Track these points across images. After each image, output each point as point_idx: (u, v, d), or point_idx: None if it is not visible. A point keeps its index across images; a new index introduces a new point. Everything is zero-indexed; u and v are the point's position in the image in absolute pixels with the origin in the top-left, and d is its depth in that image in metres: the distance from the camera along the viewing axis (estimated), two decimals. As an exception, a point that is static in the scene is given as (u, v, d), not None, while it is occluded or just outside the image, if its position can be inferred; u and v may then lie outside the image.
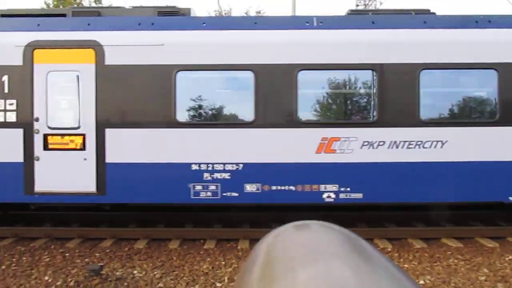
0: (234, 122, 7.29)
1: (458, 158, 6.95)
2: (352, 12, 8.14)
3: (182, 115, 7.18)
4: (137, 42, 7.11)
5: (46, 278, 5.73)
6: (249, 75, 7.05)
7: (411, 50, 7.01)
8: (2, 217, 8.25)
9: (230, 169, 7.03)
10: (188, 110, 7.33)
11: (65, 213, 8.41)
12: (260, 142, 7.04)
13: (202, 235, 7.55)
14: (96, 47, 7.08)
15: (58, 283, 5.57)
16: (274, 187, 7.02)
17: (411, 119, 6.99)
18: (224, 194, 7.07)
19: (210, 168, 7.04)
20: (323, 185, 7.02)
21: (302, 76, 7.04)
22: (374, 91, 7.09)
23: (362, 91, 7.43)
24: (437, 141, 6.94)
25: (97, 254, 6.73)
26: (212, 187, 7.07)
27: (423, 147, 6.95)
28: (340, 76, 7.31)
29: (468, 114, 7.32)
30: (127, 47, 7.10)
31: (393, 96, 7.04)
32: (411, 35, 7.11)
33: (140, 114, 7.11)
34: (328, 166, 6.97)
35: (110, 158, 7.06)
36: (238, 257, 6.62)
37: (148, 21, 7.37)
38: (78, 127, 7.06)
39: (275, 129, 7.06)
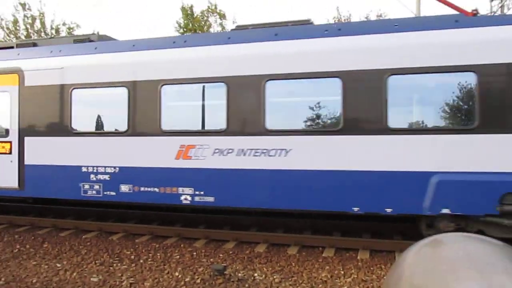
0: (112, 131, 8.23)
1: (301, 167, 7.03)
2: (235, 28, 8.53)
3: (75, 125, 8.38)
4: (45, 67, 8.61)
5: (177, 274, 6.22)
6: (122, 91, 8.05)
7: (258, 62, 7.30)
8: (140, 216, 9.21)
9: (109, 171, 8.06)
10: (80, 121, 8.43)
11: (193, 214, 9.08)
12: (132, 149, 7.97)
13: (321, 242, 7.50)
14: (19, 72, 8.76)
15: (187, 279, 6.00)
16: (142, 188, 7.86)
17: (257, 128, 7.22)
18: (105, 193, 8.09)
19: (95, 171, 8.16)
20: (181, 188, 7.64)
21: (165, 89, 7.82)
22: (224, 102, 7.44)
23: (214, 102, 7.83)
24: (282, 149, 7.11)
25: (221, 255, 7.11)
26: (96, 187, 8.15)
27: (269, 155, 7.17)
28: (197, 89, 7.81)
29: (312, 123, 7.26)
30: (39, 71, 8.65)
31: (240, 106, 7.40)
32: (258, 48, 7.37)
33: (46, 125, 8.57)
34: (185, 171, 7.58)
35: (27, 160, 8.65)
36: (357, 267, 6.42)
37: (57, 49, 8.77)
38: (8, 136, 8.77)
39: (143, 137, 7.91)
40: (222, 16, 26.20)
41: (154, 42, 8.23)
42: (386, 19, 7.37)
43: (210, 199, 7.57)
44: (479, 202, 6.31)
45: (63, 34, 35.32)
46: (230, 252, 7.27)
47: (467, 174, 6.39)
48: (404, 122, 6.83)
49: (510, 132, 6.25)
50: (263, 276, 6.11)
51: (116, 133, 8.19)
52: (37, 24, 34.80)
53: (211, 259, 6.91)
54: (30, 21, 34.60)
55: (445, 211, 6.42)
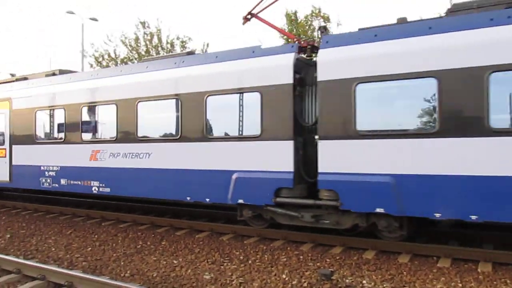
0: (57, 140, 11.21)
1: (159, 166, 9.22)
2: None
3: (38, 136, 11.62)
4: (25, 95, 11.96)
5: (284, 276, 6.30)
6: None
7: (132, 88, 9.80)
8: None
9: (55, 169, 11.07)
10: (40, 133, 11.64)
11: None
12: (67, 153, 10.85)
13: (436, 252, 7.01)
14: (10, 99, 12.34)
15: (294, 282, 6.04)
16: (72, 181, 10.73)
17: (132, 137, 9.63)
18: (53, 184, 11.08)
19: (47, 169, 11.23)
20: (92, 181, 10.32)
21: (84, 109, 10.61)
22: (116, 118, 9.93)
23: (110, 118, 10.06)
24: (146, 153, 9.41)
25: (328, 260, 7.02)
26: (48, 180, 11.17)
27: (139, 157, 9.49)
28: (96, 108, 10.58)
29: (165, 133, 9.36)
30: (20, 98, 12.05)
31: (124, 120, 9.83)
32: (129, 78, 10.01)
33: (21, 136, 11.98)
34: (94, 169, 10.25)
35: (14, 162, 12.15)
36: (478, 280, 5.88)
37: (36, 83, 11.93)
38: (3, 144, 12.42)
39: (72, 145, 10.75)
40: (326, 19, 25.96)
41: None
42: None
43: (107, 189, 10.09)
44: (261, 194, 7.88)
45: (177, 47, 37.88)
46: (337, 257, 7.15)
47: (253, 173, 8.00)
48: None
49: (277, 139, 7.77)
50: (372, 283, 5.90)
51: (56, 141, 11.15)
52: (155, 40, 37.92)
53: (318, 264, 6.86)
54: (149, 37, 37.84)
55: (240, 201, 8.12)
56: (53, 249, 8.15)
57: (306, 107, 7.95)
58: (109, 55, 39.69)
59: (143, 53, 37.60)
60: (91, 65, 37.15)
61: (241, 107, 8.31)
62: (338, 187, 7.21)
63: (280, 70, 7.77)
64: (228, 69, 8.41)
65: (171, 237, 8.84)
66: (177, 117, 9.01)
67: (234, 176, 8.16)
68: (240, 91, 8.24)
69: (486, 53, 6.12)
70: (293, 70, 7.67)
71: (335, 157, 7.24)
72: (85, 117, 10.64)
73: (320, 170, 7.34)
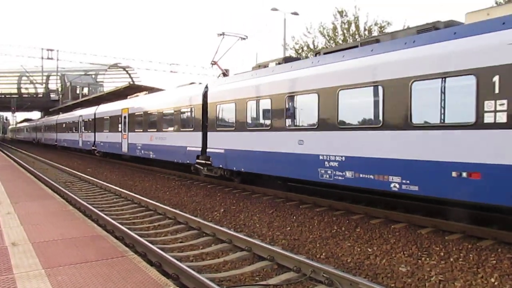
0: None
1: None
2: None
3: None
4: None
5: (492, 280, 5.61)
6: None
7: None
8: (450, 211, 8.71)
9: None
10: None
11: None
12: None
13: None
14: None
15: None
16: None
17: None
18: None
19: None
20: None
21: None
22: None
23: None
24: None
25: (552, 269, 5.94)
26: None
27: None
28: None
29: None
30: None
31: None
32: None
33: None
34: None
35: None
36: None
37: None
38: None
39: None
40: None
41: None
42: None
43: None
44: (191, 158, 15.31)
45: (374, 33, 36.96)
46: None
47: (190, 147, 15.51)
48: None
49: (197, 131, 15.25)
50: None
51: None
52: (352, 28, 37.77)
53: (538, 272, 5.87)
54: (346, 26, 37.92)
55: (187, 161, 15.70)
56: (257, 225, 9.05)
57: (205, 116, 14.72)
58: (308, 47, 41.33)
59: (340, 42, 37.96)
60: (292, 57, 39.40)
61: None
62: (211, 155, 14.07)
63: (197, 96, 15.34)
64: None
65: (365, 225, 8.80)
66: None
67: (188, 149, 15.65)
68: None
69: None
70: (202, 96, 14.91)
71: (210, 141, 14.35)
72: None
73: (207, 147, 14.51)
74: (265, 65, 12.56)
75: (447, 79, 7.28)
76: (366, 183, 8.57)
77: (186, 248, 7.40)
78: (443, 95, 7.36)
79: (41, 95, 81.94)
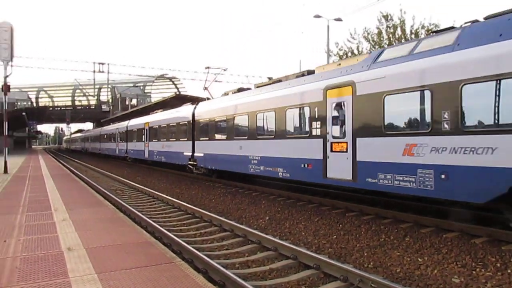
0: None
1: None
2: None
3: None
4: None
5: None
6: None
7: None
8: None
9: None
10: None
11: None
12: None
13: None
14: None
15: None
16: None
17: None
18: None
19: None
20: None
21: None
22: None
23: None
24: None
25: None
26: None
27: None
28: None
29: None
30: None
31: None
32: None
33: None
34: None
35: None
36: None
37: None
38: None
39: None
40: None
41: None
42: None
43: None
44: (185, 160, 20.44)
45: (422, 37, 35.93)
46: None
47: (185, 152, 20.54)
48: None
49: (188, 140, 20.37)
50: None
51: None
52: (398, 31, 36.97)
53: None
54: (392, 30, 37.17)
55: (184, 163, 20.85)
56: (303, 233, 8.97)
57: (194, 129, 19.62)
58: (352, 52, 40.83)
59: (385, 46, 37.17)
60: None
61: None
62: (197, 158, 18.90)
63: (188, 114, 20.36)
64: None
65: (415, 234, 8.51)
66: None
67: (184, 154, 20.29)
68: None
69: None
70: (191, 114, 19.84)
71: (196, 148, 19.07)
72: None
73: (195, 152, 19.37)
74: (226, 93, 17.98)
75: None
76: (269, 173, 13.26)
77: (232, 255, 7.45)
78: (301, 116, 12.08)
79: (93, 107, 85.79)
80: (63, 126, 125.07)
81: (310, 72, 12.37)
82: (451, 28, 8.55)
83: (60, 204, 10.60)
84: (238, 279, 5.53)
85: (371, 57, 9.83)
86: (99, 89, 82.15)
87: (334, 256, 7.20)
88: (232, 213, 11.58)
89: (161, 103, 36.64)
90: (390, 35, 37.19)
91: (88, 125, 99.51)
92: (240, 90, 17.06)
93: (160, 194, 14.50)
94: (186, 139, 20.23)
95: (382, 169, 8.80)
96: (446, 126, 7.55)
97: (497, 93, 6.78)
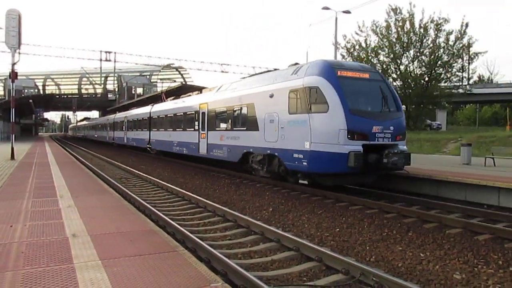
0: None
1: None
2: None
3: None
4: None
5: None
6: None
7: None
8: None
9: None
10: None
11: None
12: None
13: None
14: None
15: None
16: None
17: None
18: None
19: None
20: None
21: None
22: None
23: None
24: None
25: None
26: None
27: None
28: None
29: None
30: None
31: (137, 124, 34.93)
32: None
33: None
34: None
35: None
36: None
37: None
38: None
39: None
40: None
41: None
42: None
43: None
44: (146, 143, 30.32)
45: (431, 32, 35.47)
46: None
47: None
48: None
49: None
50: None
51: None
52: (407, 25, 36.53)
53: None
54: (400, 24, 36.75)
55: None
56: (306, 225, 9.00)
57: (150, 122, 29.97)
58: (360, 45, 40.43)
59: (393, 40, 36.85)
60: (343, 56, 38.76)
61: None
62: (151, 143, 29.20)
63: (147, 111, 31.00)
64: None
65: (418, 229, 8.52)
66: None
67: (144, 139, 30.63)
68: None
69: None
70: (149, 112, 30.18)
71: (151, 135, 29.27)
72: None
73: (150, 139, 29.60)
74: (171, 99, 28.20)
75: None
76: (180, 151, 22.31)
77: (235, 246, 7.50)
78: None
79: (99, 95, 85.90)
80: (69, 113, 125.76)
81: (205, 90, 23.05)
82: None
83: (66, 191, 10.68)
84: (241, 269, 5.57)
85: (216, 89, 19.26)
86: (106, 77, 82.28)
87: (336, 249, 7.22)
88: (235, 203, 11.62)
89: (167, 93, 36.76)
90: (399, 28, 36.75)
91: (94, 114, 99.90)
92: (175, 98, 28.00)
93: (165, 183, 14.56)
94: (145, 129, 30.09)
95: (215, 147, 17.70)
96: (228, 126, 16.74)
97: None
